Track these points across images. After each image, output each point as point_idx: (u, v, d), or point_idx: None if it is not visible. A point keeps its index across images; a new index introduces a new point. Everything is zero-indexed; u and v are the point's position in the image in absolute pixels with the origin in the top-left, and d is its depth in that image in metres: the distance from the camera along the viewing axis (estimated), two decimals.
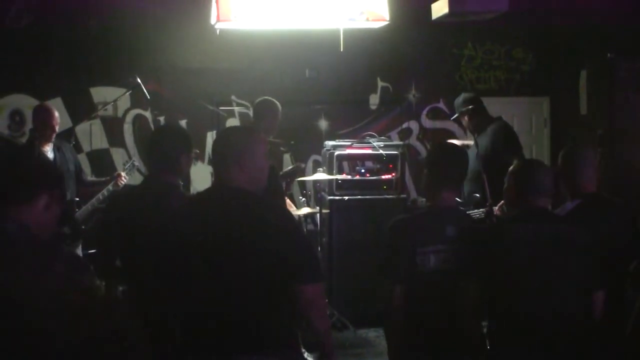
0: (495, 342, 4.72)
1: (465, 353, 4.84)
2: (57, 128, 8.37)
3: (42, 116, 8.37)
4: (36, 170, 3.48)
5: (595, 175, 5.51)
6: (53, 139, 8.40)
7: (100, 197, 8.20)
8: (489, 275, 4.60)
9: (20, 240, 3.31)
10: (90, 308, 3.29)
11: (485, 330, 4.85)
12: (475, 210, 7.87)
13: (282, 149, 10.58)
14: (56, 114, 8.37)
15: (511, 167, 4.96)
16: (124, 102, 10.97)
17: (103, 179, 8.92)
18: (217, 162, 4.42)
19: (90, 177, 9.15)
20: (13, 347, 3.11)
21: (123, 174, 8.53)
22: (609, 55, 10.18)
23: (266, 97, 7.75)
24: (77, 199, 8.48)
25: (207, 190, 4.49)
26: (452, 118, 8.88)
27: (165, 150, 5.20)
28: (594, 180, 5.46)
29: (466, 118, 8.51)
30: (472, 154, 8.21)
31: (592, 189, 5.42)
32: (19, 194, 3.40)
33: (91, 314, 3.28)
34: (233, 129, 4.96)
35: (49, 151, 8.30)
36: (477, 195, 7.78)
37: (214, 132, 10.57)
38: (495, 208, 7.56)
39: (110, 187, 8.35)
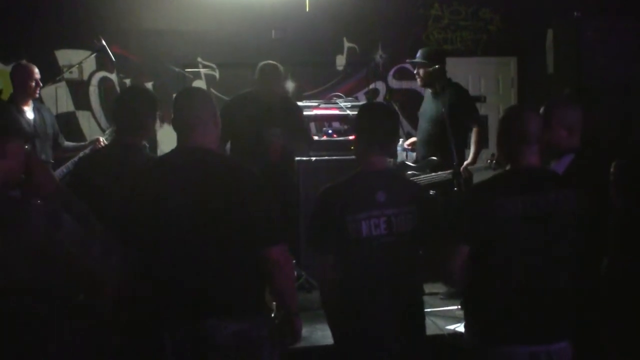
0: (479, 313, 4.59)
1: (403, 320, 4.80)
2: (40, 83, 8.34)
3: (21, 74, 8.33)
4: (8, 121, 3.43)
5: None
6: (37, 96, 8.46)
7: (76, 161, 8.12)
8: (474, 243, 4.45)
9: None
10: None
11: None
12: (441, 172, 7.89)
13: None
14: (36, 69, 8.32)
15: (501, 115, 4.74)
16: (90, 65, 10.93)
17: (82, 143, 8.88)
18: (181, 124, 4.40)
19: (67, 142, 9.07)
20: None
21: (102, 139, 8.45)
22: (575, 14, 10.17)
23: (273, 63, 7.69)
24: (52, 161, 8.44)
25: (173, 152, 4.46)
26: (410, 61, 8.71)
27: (132, 111, 5.18)
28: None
29: (429, 70, 8.36)
30: (427, 115, 8.22)
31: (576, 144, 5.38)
32: None
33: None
34: (191, 91, 4.94)
35: (28, 111, 8.30)
36: (434, 158, 7.78)
37: None
38: (461, 169, 7.58)
39: (87, 151, 8.28)
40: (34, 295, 3.23)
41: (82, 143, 8.89)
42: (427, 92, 8.63)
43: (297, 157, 8.15)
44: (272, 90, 7.58)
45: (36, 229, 3.27)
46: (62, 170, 8.33)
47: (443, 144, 7.58)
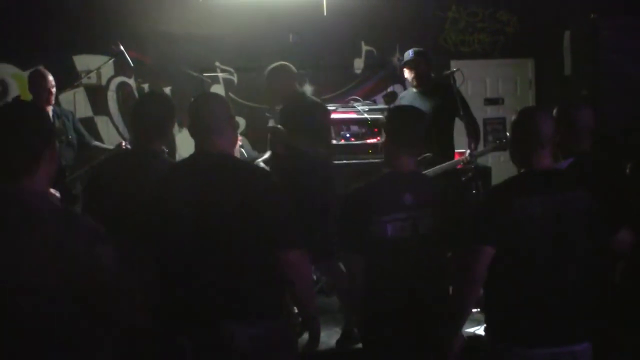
0: (496, 312, 4.59)
1: (427, 323, 4.81)
2: (54, 91, 8.37)
3: (37, 80, 8.37)
4: (38, 138, 3.39)
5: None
6: (52, 103, 8.48)
7: (94, 165, 8.08)
8: (496, 244, 4.43)
9: (43, 210, 3.26)
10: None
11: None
12: (453, 161, 7.96)
13: (267, 114, 10.54)
14: (50, 77, 8.35)
15: (514, 118, 4.71)
16: (108, 70, 10.93)
17: (109, 146, 8.94)
18: (199, 130, 4.41)
19: (95, 142, 9.13)
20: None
21: (124, 143, 8.44)
22: (592, 15, 10.15)
23: (279, 63, 7.64)
24: (71, 164, 8.56)
25: (191, 157, 4.48)
26: (402, 62, 8.62)
27: (150, 117, 5.18)
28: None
29: (420, 68, 8.36)
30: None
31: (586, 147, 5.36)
32: (27, 166, 3.34)
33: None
34: (208, 96, 4.95)
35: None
36: (429, 154, 7.77)
37: None
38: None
39: (94, 162, 8.27)
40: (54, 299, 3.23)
41: (109, 146, 8.92)
42: (411, 92, 8.57)
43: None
44: (277, 90, 7.51)
45: (80, 243, 3.26)
46: (81, 172, 8.38)
47: (436, 140, 7.57)
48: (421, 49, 8.58)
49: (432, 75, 8.52)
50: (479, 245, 4.42)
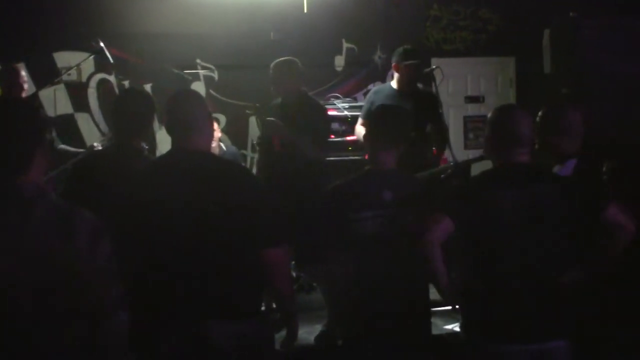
0: (471, 303, 4.57)
1: (408, 318, 4.84)
2: (26, 87, 8.33)
3: (9, 77, 8.31)
4: (30, 136, 3.38)
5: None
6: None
7: (74, 162, 7.94)
8: (467, 236, 4.46)
9: (41, 203, 3.27)
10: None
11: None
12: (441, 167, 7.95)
13: (247, 111, 10.54)
14: (23, 72, 8.32)
15: (489, 115, 4.73)
16: (88, 66, 10.90)
17: (78, 150, 8.84)
18: (177, 127, 4.40)
19: (62, 145, 9.02)
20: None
21: (96, 145, 8.37)
22: (571, 14, 10.17)
23: (290, 58, 7.56)
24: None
25: (169, 154, 4.48)
26: (408, 62, 8.40)
27: (130, 114, 5.20)
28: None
29: (418, 72, 8.17)
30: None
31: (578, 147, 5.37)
32: (21, 164, 3.33)
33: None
34: (186, 93, 4.93)
35: None
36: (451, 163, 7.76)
37: None
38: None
39: (75, 159, 8.17)
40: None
41: (79, 150, 8.82)
42: (391, 89, 8.23)
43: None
44: (282, 87, 7.45)
45: (81, 240, 3.25)
46: (58, 172, 8.26)
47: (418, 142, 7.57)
48: (416, 48, 8.50)
49: None
50: (439, 213, 4.41)
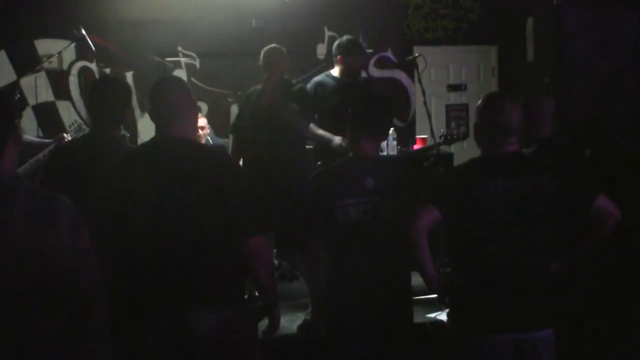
0: (457, 293, 4.55)
1: (391, 303, 4.86)
2: None
3: None
4: (3, 123, 3.36)
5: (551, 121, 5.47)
6: None
7: (41, 158, 7.84)
8: (454, 225, 4.44)
9: (19, 189, 3.23)
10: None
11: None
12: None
13: (229, 99, 10.51)
14: None
15: (478, 103, 4.64)
16: (69, 54, 10.86)
17: (45, 140, 8.72)
18: (160, 114, 4.37)
19: (27, 136, 8.86)
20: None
21: (67, 135, 8.28)
22: (555, 2, 10.17)
23: (273, 45, 7.51)
24: None
25: (152, 142, 4.43)
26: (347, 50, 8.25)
27: (106, 103, 5.18)
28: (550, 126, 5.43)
29: (357, 62, 8.07)
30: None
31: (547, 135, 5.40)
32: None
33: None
34: (170, 80, 4.90)
35: None
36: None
37: None
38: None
39: (51, 148, 8.04)
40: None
41: (47, 140, 8.57)
42: (339, 81, 7.99)
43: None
44: (276, 72, 7.38)
45: (63, 226, 3.23)
46: (26, 167, 8.10)
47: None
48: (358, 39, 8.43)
49: None
50: (426, 202, 4.39)
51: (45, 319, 3.18)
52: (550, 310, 4.44)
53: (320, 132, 7.63)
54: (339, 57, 7.89)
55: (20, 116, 8.29)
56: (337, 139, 7.41)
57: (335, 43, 7.97)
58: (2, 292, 3.08)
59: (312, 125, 7.61)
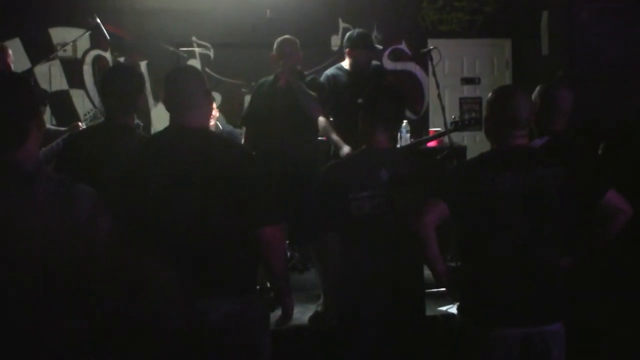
0: (466, 287, 4.53)
1: (403, 296, 4.87)
2: (12, 66, 8.25)
3: None
4: (25, 110, 3.38)
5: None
6: None
7: (55, 146, 7.88)
8: (463, 219, 4.41)
9: (41, 177, 3.26)
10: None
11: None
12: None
13: (243, 90, 10.51)
14: (10, 51, 8.23)
15: (489, 96, 4.61)
16: (84, 43, 10.88)
17: (60, 128, 8.75)
18: (174, 104, 4.37)
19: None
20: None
21: (82, 124, 8.31)
22: None
23: (287, 36, 7.43)
24: None
25: (166, 131, 4.43)
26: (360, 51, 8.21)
27: (118, 91, 5.18)
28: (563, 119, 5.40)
29: (365, 57, 7.95)
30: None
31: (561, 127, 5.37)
32: (15, 137, 3.33)
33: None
34: (185, 69, 4.89)
35: None
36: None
37: None
38: None
39: (65, 136, 8.06)
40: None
41: (61, 128, 8.59)
42: (350, 73, 7.95)
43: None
44: (291, 62, 7.35)
45: (81, 214, 3.25)
46: (46, 151, 8.16)
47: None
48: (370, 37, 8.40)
49: None
50: (434, 197, 4.38)
51: (62, 307, 3.20)
52: (560, 304, 4.42)
53: (334, 137, 7.63)
54: (347, 49, 7.86)
55: (45, 104, 8.29)
56: (346, 149, 7.41)
57: (347, 35, 7.94)
58: (22, 279, 3.10)
59: (327, 126, 7.61)
